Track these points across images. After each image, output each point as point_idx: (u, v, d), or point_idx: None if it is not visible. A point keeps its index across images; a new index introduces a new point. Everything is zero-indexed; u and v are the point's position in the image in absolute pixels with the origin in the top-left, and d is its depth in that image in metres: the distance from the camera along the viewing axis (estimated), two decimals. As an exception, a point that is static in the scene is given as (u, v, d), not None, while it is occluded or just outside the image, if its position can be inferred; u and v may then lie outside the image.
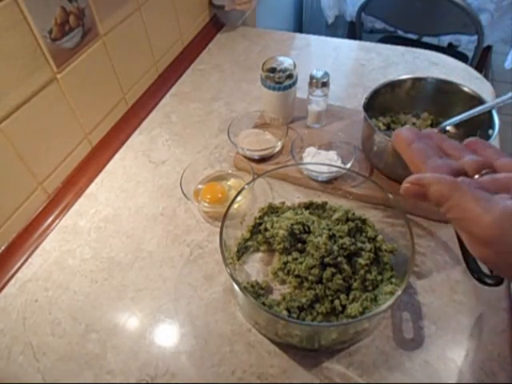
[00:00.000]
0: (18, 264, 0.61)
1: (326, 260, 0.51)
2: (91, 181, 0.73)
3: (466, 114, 0.60)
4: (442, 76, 0.69)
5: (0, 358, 0.52)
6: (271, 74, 0.71)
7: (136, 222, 0.66)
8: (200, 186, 0.67)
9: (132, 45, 0.80)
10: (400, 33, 1.75)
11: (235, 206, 0.55)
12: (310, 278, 0.51)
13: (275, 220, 0.57)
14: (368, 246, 0.53)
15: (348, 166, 0.65)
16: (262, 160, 0.71)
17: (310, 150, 0.70)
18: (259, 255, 0.59)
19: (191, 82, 0.94)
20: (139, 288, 0.58)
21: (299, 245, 0.55)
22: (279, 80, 0.71)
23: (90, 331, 0.53)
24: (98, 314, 0.55)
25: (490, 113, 0.59)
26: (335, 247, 0.51)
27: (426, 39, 1.76)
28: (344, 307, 0.50)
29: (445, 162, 0.29)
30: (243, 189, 0.56)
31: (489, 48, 1.74)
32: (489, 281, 0.44)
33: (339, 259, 0.51)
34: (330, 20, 2.02)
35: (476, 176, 0.28)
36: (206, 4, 1.05)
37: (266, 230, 0.57)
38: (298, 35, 1.09)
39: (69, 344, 0.52)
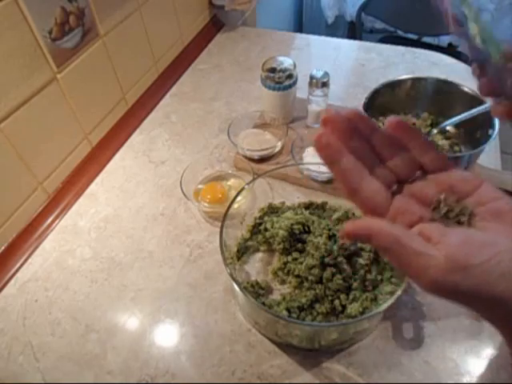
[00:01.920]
0: (18, 264, 0.61)
1: (326, 260, 0.50)
2: (91, 181, 0.73)
3: (465, 113, 0.60)
4: (442, 76, 0.69)
5: (0, 357, 0.52)
6: (271, 74, 0.71)
7: (136, 222, 0.66)
8: (200, 186, 0.67)
9: (132, 45, 0.80)
10: (400, 33, 1.75)
11: (235, 205, 0.55)
12: (310, 277, 0.51)
13: (275, 220, 0.57)
14: (368, 245, 0.53)
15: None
16: (262, 160, 0.71)
17: (310, 149, 0.70)
18: (259, 255, 0.59)
19: (191, 82, 0.94)
20: (139, 288, 0.58)
21: (299, 245, 0.55)
22: (279, 80, 0.71)
23: (90, 331, 0.53)
24: (97, 314, 0.55)
25: (490, 113, 0.59)
26: (335, 247, 0.51)
27: (426, 39, 1.76)
28: (344, 307, 0.50)
29: (379, 178, 0.28)
30: (243, 189, 0.56)
31: (489, 48, 1.74)
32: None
33: (339, 259, 0.51)
34: (330, 20, 2.02)
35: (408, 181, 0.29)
36: (205, 4, 1.05)
37: (265, 230, 0.57)
38: (298, 35, 1.09)
39: (69, 344, 0.52)
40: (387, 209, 0.27)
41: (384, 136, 0.29)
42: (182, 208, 0.67)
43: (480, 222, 0.25)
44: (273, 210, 0.61)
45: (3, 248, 0.61)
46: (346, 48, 1.02)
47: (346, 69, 0.95)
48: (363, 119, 0.29)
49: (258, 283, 0.54)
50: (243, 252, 0.59)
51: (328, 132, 0.28)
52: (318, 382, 0.47)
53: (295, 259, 0.54)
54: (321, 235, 0.52)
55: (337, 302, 0.50)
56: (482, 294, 0.22)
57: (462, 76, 0.87)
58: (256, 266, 0.58)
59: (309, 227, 0.55)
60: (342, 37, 1.13)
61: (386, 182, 0.28)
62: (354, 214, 0.56)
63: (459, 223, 0.25)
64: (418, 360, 0.48)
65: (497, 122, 0.59)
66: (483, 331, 0.50)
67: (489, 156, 0.68)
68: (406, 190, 0.28)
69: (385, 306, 0.43)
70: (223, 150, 0.76)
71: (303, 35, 1.08)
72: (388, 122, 0.29)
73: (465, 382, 0.47)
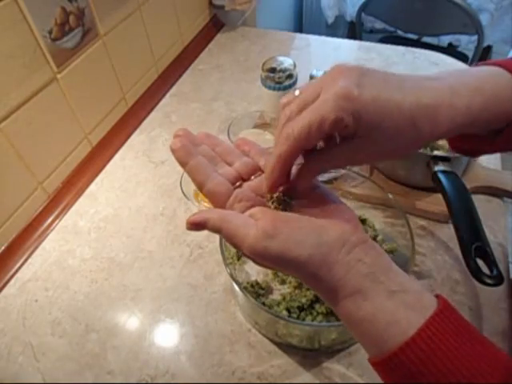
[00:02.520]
0: (18, 264, 0.61)
1: (326, 260, 0.50)
2: (91, 181, 0.73)
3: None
4: (442, 76, 0.69)
5: (0, 357, 0.52)
6: (271, 74, 0.71)
7: (136, 222, 0.66)
8: (200, 186, 0.67)
9: (132, 45, 0.80)
10: (400, 33, 1.75)
11: (235, 206, 0.55)
12: (310, 278, 0.51)
13: (275, 220, 0.57)
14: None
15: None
16: (262, 160, 0.71)
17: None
18: (259, 255, 0.59)
19: (191, 82, 0.94)
20: (139, 288, 0.58)
21: (299, 245, 0.55)
22: (279, 80, 0.71)
23: (90, 331, 0.53)
24: (98, 314, 0.55)
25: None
26: (335, 247, 0.51)
27: (426, 39, 1.76)
28: (344, 307, 0.50)
29: (223, 175, 0.34)
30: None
31: (489, 48, 1.74)
32: (489, 281, 0.44)
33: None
34: (330, 20, 2.02)
35: (251, 179, 0.35)
36: (205, 4, 1.05)
37: (266, 230, 0.57)
38: (298, 35, 1.09)
39: (69, 344, 0.52)
40: (228, 199, 0.33)
41: (227, 147, 0.36)
42: (182, 208, 0.67)
43: (297, 208, 0.32)
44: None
45: (3, 248, 0.61)
46: (346, 48, 1.02)
47: (346, 69, 0.94)
48: (209, 138, 0.37)
49: (257, 283, 0.54)
50: (243, 252, 0.58)
51: (183, 137, 0.34)
52: (318, 381, 0.47)
53: (295, 259, 0.54)
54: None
55: (337, 302, 0.50)
56: (284, 256, 0.28)
57: (462, 76, 0.87)
58: (256, 266, 0.58)
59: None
60: (342, 37, 1.13)
61: (230, 178, 0.34)
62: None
63: (283, 210, 0.32)
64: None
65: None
66: (483, 331, 0.50)
67: (489, 156, 0.68)
68: (247, 185, 0.34)
69: (385, 306, 0.43)
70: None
71: (303, 35, 1.08)
72: (236, 143, 0.37)
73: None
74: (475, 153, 0.38)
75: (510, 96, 0.31)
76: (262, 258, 0.29)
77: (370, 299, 0.28)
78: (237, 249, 0.30)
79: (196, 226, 0.31)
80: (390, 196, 0.53)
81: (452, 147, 0.39)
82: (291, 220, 0.30)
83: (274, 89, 0.72)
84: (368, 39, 1.16)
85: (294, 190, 0.33)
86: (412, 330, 0.26)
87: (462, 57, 1.62)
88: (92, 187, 0.72)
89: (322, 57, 0.99)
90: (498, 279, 0.44)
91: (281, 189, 0.33)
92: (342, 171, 0.63)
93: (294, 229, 0.29)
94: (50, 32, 0.60)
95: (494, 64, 0.33)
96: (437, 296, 0.28)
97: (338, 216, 0.31)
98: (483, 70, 0.32)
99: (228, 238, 0.30)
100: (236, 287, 0.46)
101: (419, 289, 0.28)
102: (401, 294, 0.28)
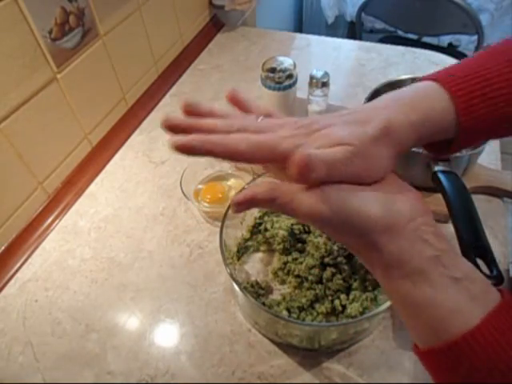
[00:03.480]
0: (18, 264, 0.61)
1: (326, 260, 0.51)
2: (91, 181, 0.73)
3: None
4: (442, 76, 0.69)
5: (0, 357, 0.52)
6: (271, 74, 0.71)
7: (136, 222, 0.66)
8: (200, 186, 0.67)
9: (132, 45, 0.80)
10: (400, 33, 1.75)
11: (235, 206, 0.55)
12: (310, 278, 0.51)
13: (275, 220, 0.57)
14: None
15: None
16: (262, 160, 0.71)
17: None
18: (259, 255, 0.59)
19: (191, 82, 0.94)
20: (139, 288, 0.58)
21: (299, 245, 0.55)
22: (279, 80, 0.71)
23: (90, 331, 0.53)
24: (98, 314, 0.55)
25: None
26: (335, 247, 0.51)
27: (426, 39, 1.75)
28: (344, 307, 0.50)
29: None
30: (243, 189, 0.56)
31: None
32: (489, 281, 0.44)
33: (339, 259, 0.51)
34: (330, 20, 2.02)
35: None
36: (205, 4, 1.05)
37: (266, 230, 0.57)
38: (298, 35, 1.09)
39: (69, 344, 0.52)
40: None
41: (222, 112, 0.34)
42: (182, 208, 0.67)
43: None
44: (272, 210, 0.61)
45: (3, 248, 0.61)
46: (346, 48, 1.02)
47: (345, 69, 0.95)
48: (197, 107, 0.33)
49: (258, 283, 0.54)
50: (243, 252, 0.59)
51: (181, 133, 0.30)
52: (318, 382, 0.47)
53: (295, 259, 0.54)
54: (321, 235, 0.52)
55: (337, 302, 0.50)
56: (349, 217, 0.27)
57: (462, 76, 0.87)
58: (256, 266, 0.58)
59: (309, 227, 0.55)
60: (342, 37, 1.13)
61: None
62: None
63: None
64: (418, 360, 0.48)
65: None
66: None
67: (489, 156, 0.68)
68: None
69: (385, 306, 0.43)
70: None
71: (303, 35, 1.08)
72: (228, 94, 0.36)
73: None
74: (439, 155, 0.39)
75: (443, 109, 0.32)
76: (321, 221, 0.27)
77: (432, 283, 0.26)
78: (293, 217, 0.29)
79: (244, 203, 0.29)
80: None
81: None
82: (357, 188, 0.28)
83: (273, 89, 0.72)
84: (368, 39, 1.16)
85: None
86: (475, 321, 0.25)
87: (462, 57, 1.61)
88: (92, 187, 0.72)
89: (321, 57, 0.99)
90: (498, 279, 0.44)
91: None
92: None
93: (359, 191, 0.28)
94: (50, 32, 0.60)
95: (430, 78, 0.35)
96: (500, 291, 0.27)
97: (407, 194, 0.30)
98: (418, 88, 0.34)
99: (283, 209, 0.28)
100: (236, 287, 0.46)
101: (484, 280, 0.27)
102: (466, 283, 0.26)
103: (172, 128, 0.31)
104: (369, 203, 0.27)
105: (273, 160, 0.29)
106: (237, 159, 0.28)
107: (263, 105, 0.35)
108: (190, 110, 0.33)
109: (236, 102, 0.36)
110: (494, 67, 0.34)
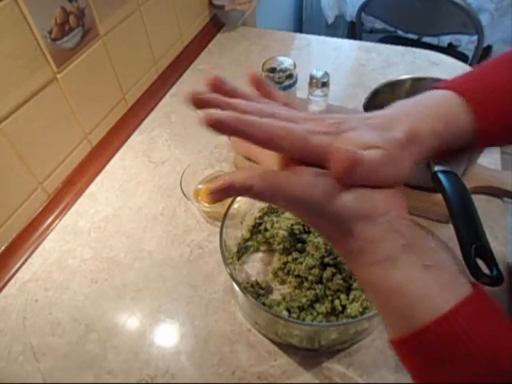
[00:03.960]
0: (18, 264, 0.61)
1: (326, 260, 0.50)
2: (91, 181, 0.73)
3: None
4: (442, 76, 0.69)
5: (0, 358, 0.52)
6: (271, 74, 0.71)
7: (136, 222, 0.66)
8: (200, 186, 0.67)
9: (132, 45, 0.80)
10: (400, 33, 1.75)
11: (235, 206, 0.55)
12: (310, 277, 0.51)
13: (275, 220, 0.57)
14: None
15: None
16: (262, 160, 0.71)
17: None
18: (259, 255, 0.59)
19: (191, 82, 0.94)
20: (139, 288, 0.58)
21: (299, 245, 0.55)
22: (279, 80, 0.71)
23: (90, 331, 0.53)
24: (97, 313, 0.55)
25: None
26: (335, 247, 0.51)
27: (426, 39, 1.76)
28: (344, 307, 0.50)
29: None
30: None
31: (489, 48, 1.74)
32: (489, 281, 0.44)
33: (339, 259, 0.51)
34: (330, 20, 2.02)
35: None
36: (205, 4, 1.05)
37: (266, 230, 0.57)
38: (298, 35, 1.09)
39: (69, 344, 0.52)
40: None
41: (245, 94, 0.32)
42: (182, 208, 0.67)
43: None
44: (273, 210, 0.61)
45: (3, 248, 0.61)
46: (346, 48, 1.02)
47: (345, 69, 0.95)
48: (224, 83, 0.31)
49: (257, 283, 0.54)
50: (243, 252, 0.59)
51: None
52: (318, 382, 0.47)
53: (295, 259, 0.54)
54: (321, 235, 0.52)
55: (337, 301, 0.50)
56: (328, 201, 0.27)
57: (462, 76, 0.87)
58: (256, 266, 0.58)
59: (309, 227, 0.55)
60: (342, 37, 1.13)
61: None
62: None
63: None
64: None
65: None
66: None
67: (489, 156, 0.68)
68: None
69: (385, 306, 0.43)
70: (223, 149, 0.76)
71: (303, 35, 1.08)
72: (251, 76, 0.33)
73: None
74: (452, 162, 0.41)
75: (461, 117, 0.33)
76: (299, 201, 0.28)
77: (401, 268, 0.26)
78: (271, 201, 0.29)
79: (220, 193, 0.27)
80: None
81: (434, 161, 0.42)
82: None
83: (274, 89, 0.72)
84: (368, 39, 1.16)
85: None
86: (446, 307, 0.25)
87: (462, 57, 1.62)
88: (92, 187, 0.72)
89: (321, 57, 0.99)
90: (497, 279, 0.44)
91: None
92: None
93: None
94: (50, 32, 0.60)
95: (445, 87, 0.35)
96: (473, 284, 0.27)
97: (384, 190, 0.30)
98: (435, 96, 0.35)
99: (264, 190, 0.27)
100: (236, 287, 0.46)
101: (456, 271, 0.27)
102: (436, 271, 0.27)
103: (199, 103, 0.29)
104: (349, 196, 0.28)
105: (301, 152, 0.28)
106: (271, 146, 0.28)
107: (283, 94, 0.34)
108: (217, 85, 0.31)
109: (258, 84, 0.34)
110: (508, 75, 0.35)
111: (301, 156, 0.29)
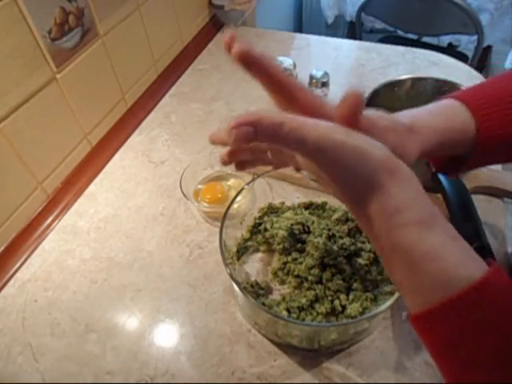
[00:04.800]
0: (18, 264, 0.61)
1: (326, 260, 0.50)
2: (91, 181, 0.73)
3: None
4: (442, 76, 0.69)
5: (-1, 358, 0.52)
6: (271, 74, 0.71)
7: (135, 222, 0.66)
8: (200, 186, 0.67)
9: (131, 45, 0.80)
10: (400, 33, 1.75)
11: (235, 206, 0.55)
12: (310, 278, 0.51)
13: (275, 220, 0.57)
14: (368, 246, 0.53)
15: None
16: (262, 160, 0.71)
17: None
18: (259, 255, 0.59)
19: (191, 82, 0.94)
20: (139, 288, 0.57)
21: (299, 245, 0.55)
22: (279, 80, 0.71)
23: (90, 331, 0.53)
24: (97, 314, 0.55)
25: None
26: (335, 247, 0.51)
27: (425, 39, 1.76)
28: (344, 307, 0.50)
29: None
30: (243, 189, 0.56)
31: (489, 48, 1.74)
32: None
33: (339, 259, 0.50)
34: (330, 20, 2.02)
35: None
36: (205, 4, 1.05)
37: (265, 230, 0.57)
38: (298, 35, 1.09)
39: (68, 344, 0.52)
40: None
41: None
42: (182, 208, 0.67)
43: None
44: (272, 210, 0.61)
45: (3, 248, 0.61)
46: (345, 48, 1.02)
47: (345, 69, 0.94)
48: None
49: (257, 283, 0.54)
50: (243, 252, 0.58)
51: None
52: (317, 382, 0.47)
53: (295, 259, 0.54)
54: (320, 235, 0.52)
55: (337, 302, 0.50)
56: (363, 151, 0.27)
57: (462, 76, 0.87)
58: (256, 267, 0.58)
59: (309, 227, 0.55)
60: (342, 37, 1.13)
61: None
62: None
63: None
64: (418, 360, 0.48)
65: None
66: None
67: (489, 156, 0.68)
68: None
69: (385, 306, 0.43)
70: (223, 150, 0.76)
71: (303, 35, 1.08)
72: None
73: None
74: (454, 172, 0.41)
75: (463, 119, 0.35)
76: (332, 151, 0.26)
77: (436, 233, 0.26)
78: (296, 148, 0.27)
79: (243, 124, 0.25)
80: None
81: (436, 169, 0.44)
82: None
83: (273, 89, 0.72)
84: (368, 39, 1.16)
85: None
86: (478, 275, 0.24)
87: (461, 57, 1.62)
88: (91, 187, 0.72)
89: (321, 57, 0.99)
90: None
91: None
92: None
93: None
94: (50, 32, 0.59)
95: (448, 97, 0.37)
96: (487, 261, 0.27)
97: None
98: (438, 103, 0.38)
99: (291, 132, 0.25)
100: (236, 287, 0.46)
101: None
102: (462, 242, 0.27)
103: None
104: (377, 146, 0.28)
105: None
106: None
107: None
108: (245, 59, 0.31)
109: (245, 58, 0.33)
110: (509, 87, 0.37)
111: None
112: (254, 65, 0.31)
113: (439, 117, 0.34)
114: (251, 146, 0.34)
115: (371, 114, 0.32)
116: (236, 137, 0.25)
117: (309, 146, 0.26)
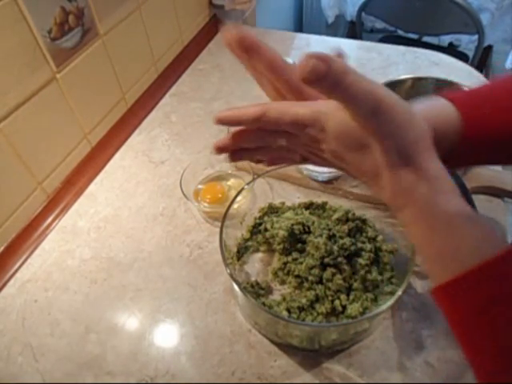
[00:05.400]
0: (18, 264, 0.61)
1: (326, 260, 0.50)
2: (91, 181, 0.73)
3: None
4: (443, 76, 0.69)
5: (-1, 358, 0.52)
6: (271, 74, 0.71)
7: (136, 222, 0.66)
8: (200, 186, 0.67)
9: (132, 44, 0.80)
10: (400, 32, 1.75)
11: (235, 206, 0.55)
12: (310, 278, 0.51)
13: (275, 220, 0.57)
14: (368, 246, 0.53)
15: (348, 165, 0.65)
16: (262, 160, 0.71)
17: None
18: (259, 255, 0.59)
19: (191, 82, 0.94)
20: (139, 288, 0.57)
21: (299, 245, 0.55)
22: (279, 80, 0.71)
23: (90, 332, 0.53)
24: (97, 314, 0.55)
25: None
26: (335, 247, 0.51)
27: (426, 39, 1.75)
28: (344, 307, 0.50)
29: None
30: (243, 189, 0.56)
31: (489, 48, 1.74)
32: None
33: (339, 259, 0.50)
34: (330, 20, 2.01)
35: None
36: (205, 4, 1.05)
37: (265, 230, 0.57)
38: (298, 35, 1.08)
39: (68, 345, 0.52)
40: None
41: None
42: (182, 208, 0.67)
43: None
44: (273, 210, 0.61)
45: (2, 248, 0.61)
46: (346, 48, 1.01)
47: (346, 68, 0.94)
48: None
49: (257, 283, 0.54)
50: (243, 252, 0.58)
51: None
52: (318, 382, 0.47)
53: (295, 259, 0.54)
54: (321, 235, 0.52)
55: (337, 302, 0.50)
56: (408, 121, 0.28)
57: (463, 76, 0.87)
58: (256, 267, 0.58)
59: (309, 227, 0.55)
60: (343, 36, 1.13)
61: None
62: (354, 213, 0.56)
63: None
64: (418, 361, 0.48)
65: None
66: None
67: (489, 156, 0.68)
68: None
69: (385, 306, 0.43)
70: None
71: (303, 35, 1.08)
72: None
73: (465, 382, 0.46)
74: None
75: (447, 111, 0.35)
76: (391, 108, 0.28)
77: (465, 203, 0.28)
78: (363, 96, 0.27)
79: (317, 58, 0.25)
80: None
81: None
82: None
83: (273, 88, 0.72)
84: (368, 39, 1.16)
85: None
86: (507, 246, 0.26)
87: (462, 56, 1.62)
88: (91, 187, 0.72)
89: (322, 56, 0.99)
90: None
91: None
92: (342, 171, 0.63)
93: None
94: (50, 31, 0.59)
95: (443, 96, 0.37)
96: None
97: None
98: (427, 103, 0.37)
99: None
100: (236, 287, 0.46)
101: None
102: (483, 220, 0.29)
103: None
104: (417, 120, 0.29)
105: None
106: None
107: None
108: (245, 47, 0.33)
109: (245, 48, 0.35)
110: (498, 86, 0.37)
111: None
112: (253, 50, 0.32)
113: (427, 109, 0.35)
114: (263, 125, 0.33)
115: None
116: (313, 68, 0.24)
117: (372, 100, 0.27)
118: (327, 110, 0.31)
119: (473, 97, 0.36)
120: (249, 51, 0.32)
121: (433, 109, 0.35)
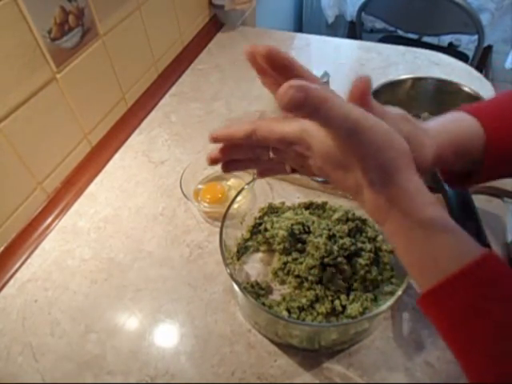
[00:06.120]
0: (18, 264, 0.61)
1: (326, 260, 0.50)
2: (91, 181, 0.73)
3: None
4: (443, 76, 0.69)
5: (-1, 358, 0.52)
6: (271, 74, 0.71)
7: (136, 222, 0.66)
8: (200, 186, 0.67)
9: (131, 44, 0.80)
10: (400, 32, 1.75)
11: (235, 206, 0.55)
12: (310, 278, 0.51)
13: (275, 220, 0.57)
14: (368, 246, 0.53)
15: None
16: (262, 160, 0.71)
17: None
18: (259, 255, 0.59)
19: (191, 82, 0.94)
20: (139, 288, 0.57)
21: (299, 245, 0.55)
22: (279, 80, 0.71)
23: (90, 331, 0.53)
24: (97, 314, 0.55)
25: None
26: (335, 247, 0.51)
27: (426, 39, 1.75)
28: (344, 307, 0.50)
29: None
30: (243, 189, 0.56)
31: (489, 48, 1.74)
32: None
33: (339, 259, 0.50)
34: (330, 20, 2.02)
35: None
36: (205, 4, 1.05)
37: (265, 230, 0.57)
38: (298, 35, 1.08)
39: (68, 344, 0.52)
40: None
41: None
42: (182, 208, 0.67)
43: None
44: (273, 210, 0.61)
45: (3, 248, 0.61)
46: (346, 48, 1.02)
47: (346, 69, 0.94)
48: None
49: (257, 283, 0.54)
50: (243, 252, 0.58)
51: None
52: (318, 382, 0.47)
53: (295, 259, 0.54)
54: (321, 235, 0.52)
55: (337, 302, 0.50)
56: (391, 138, 0.29)
57: (463, 76, 0.87)
58: (256, 267, 0.58)
59: (309, 227, 0.55)
60: (342, 36, 1.13)
61: None
62: (354, 213, 0.56)
63: None
64: (418, 361, 0.48)
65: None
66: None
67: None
68: None
69: (385, 306, 0.43)
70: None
71: (303, 35, 1.08)
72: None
73: (465, 382, 0.46)
74: (463, 184, 0.43)
75: (472, 128, 0.37)
76: (368, 129, 0.28)
77: (446, 216, 0.30)
78: (339, 120, 0.28)
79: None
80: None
81: (448, 184, 0.46)
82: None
83: (273, 88, 0.72)
84: (368, 39, 1.16)
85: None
86: (485, 251, 0.28)
87: (462, 56, 1.62)
88: (91, 187, 0.72)
89: (321, 57, 0.99)
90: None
91: None
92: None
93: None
94: (50, 32, 0.59)
95: (463, 110, 0.39)
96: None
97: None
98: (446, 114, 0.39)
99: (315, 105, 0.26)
100: (236, 287, 0.46)
101: None
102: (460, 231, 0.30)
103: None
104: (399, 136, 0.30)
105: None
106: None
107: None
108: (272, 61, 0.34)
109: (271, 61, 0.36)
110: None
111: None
112: (286, 68, 0.33)
113: (451, 124, 0.36)
114: (254, 142, 0.34)
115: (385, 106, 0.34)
116: (291, 98, 0.25)
117: (349, 123, 0.27)
118: (313, 129, 0.32)
119: (492, 109, 0.38)
120: (280, 69, 0.34)
121: (458, 125, 0.37)
